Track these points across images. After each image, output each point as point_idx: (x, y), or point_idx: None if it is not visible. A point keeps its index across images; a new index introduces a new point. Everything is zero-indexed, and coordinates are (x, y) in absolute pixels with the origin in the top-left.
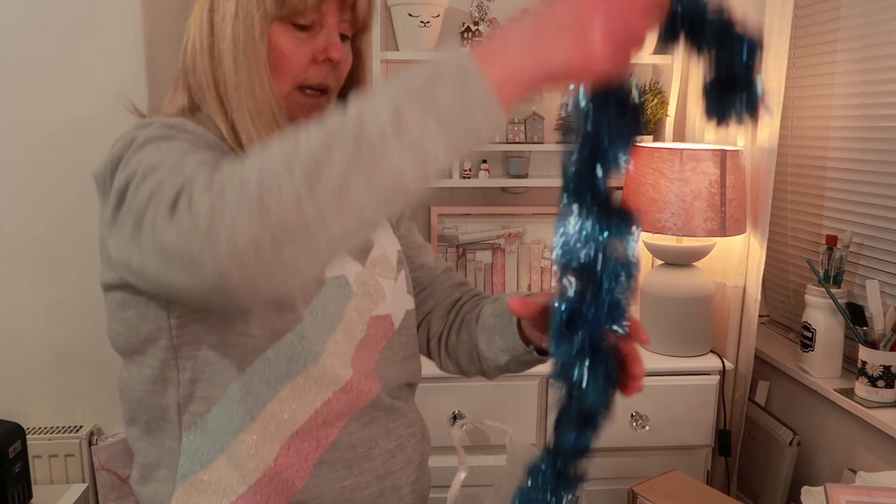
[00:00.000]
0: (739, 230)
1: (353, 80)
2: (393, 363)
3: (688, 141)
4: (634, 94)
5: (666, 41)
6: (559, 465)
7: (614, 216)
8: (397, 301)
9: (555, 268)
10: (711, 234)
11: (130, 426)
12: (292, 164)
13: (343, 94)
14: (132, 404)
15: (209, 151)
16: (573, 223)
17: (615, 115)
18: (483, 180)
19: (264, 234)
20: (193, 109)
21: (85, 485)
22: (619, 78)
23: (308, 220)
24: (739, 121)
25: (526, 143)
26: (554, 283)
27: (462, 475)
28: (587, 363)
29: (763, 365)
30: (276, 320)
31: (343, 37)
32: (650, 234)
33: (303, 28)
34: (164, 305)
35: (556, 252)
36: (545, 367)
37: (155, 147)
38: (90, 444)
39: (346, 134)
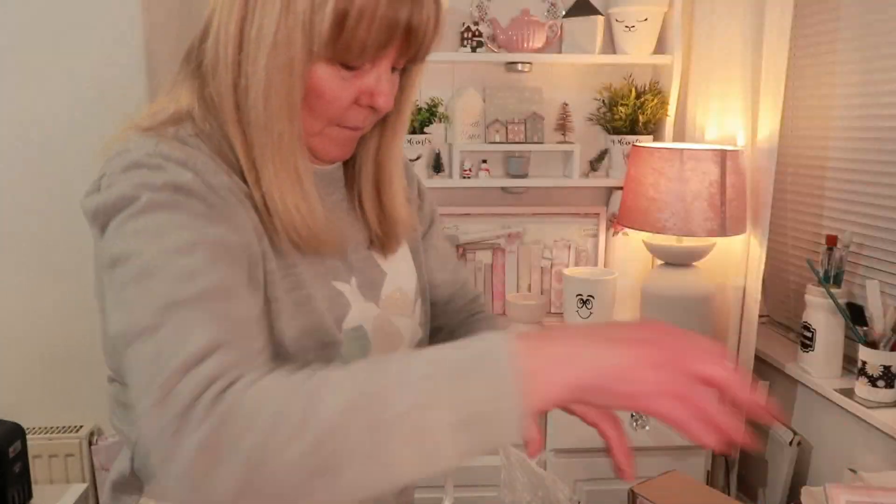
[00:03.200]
0: (739, 230)
1: (397, 106)
2: None
3: (688, 141)
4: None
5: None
6: None
7: None
8: (412, 339)
9: None
10: (711, 234)
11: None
12: (304, 428)
13: (380, 119)
14: (111, 412)
15: (214, 227)
16: None
17: None
18: (483, 180)
19: (248, 489)
20: (204, 115)
21: (85, 485)
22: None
23: (288, 488)
24: None
25: (526, 143)
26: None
27: None
28: None
29: (763, 365)
30: None
31: (393, 68)
32: (650, 234)
33: (350, 68)
34: None
35: None
36: None
37: (153, 223)
38: (90, 444)
39: (362, 419)
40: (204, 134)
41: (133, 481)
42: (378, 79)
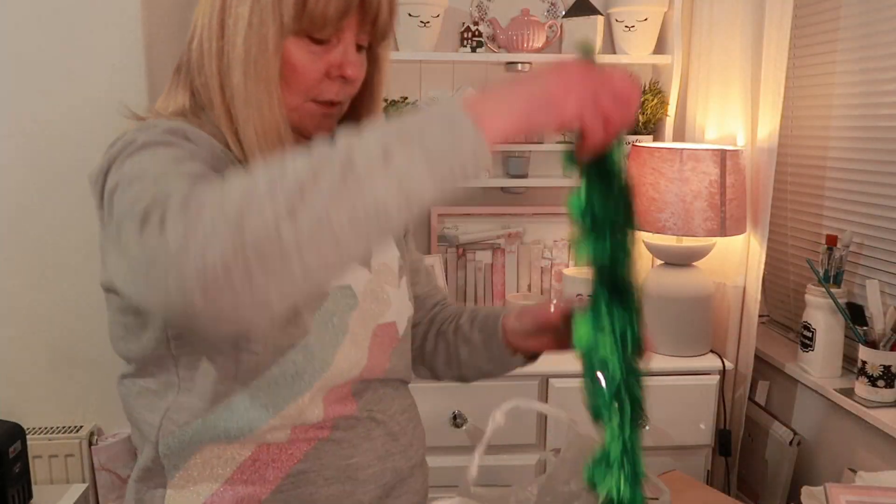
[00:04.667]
0: (739, 230)
1: (369, 88)
2: (398, 370)
3: (688, 141)
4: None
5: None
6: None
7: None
8: (401, 308)
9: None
10: (711, 233)
11: (132, 427)
12: (276, 188)
13: (356, 102)
14: (128, 408)
15: (205, 163)
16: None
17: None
18: (483, 180)
19: (237, 256)
20: (196, 110)
21: (85, 485)
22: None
23: (285, 246)
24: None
25: (526, 143)
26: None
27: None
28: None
29: (763, 365)
30: (281, 336)
31: (359, 47)
32: (650, 234)
33: (319, 42)
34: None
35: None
36: (546, 367)
37: (150, 153)
38: (90, 444)
39: (333, 163)
40: (203, 126)
41: (157, 471)
42: (344, 52)
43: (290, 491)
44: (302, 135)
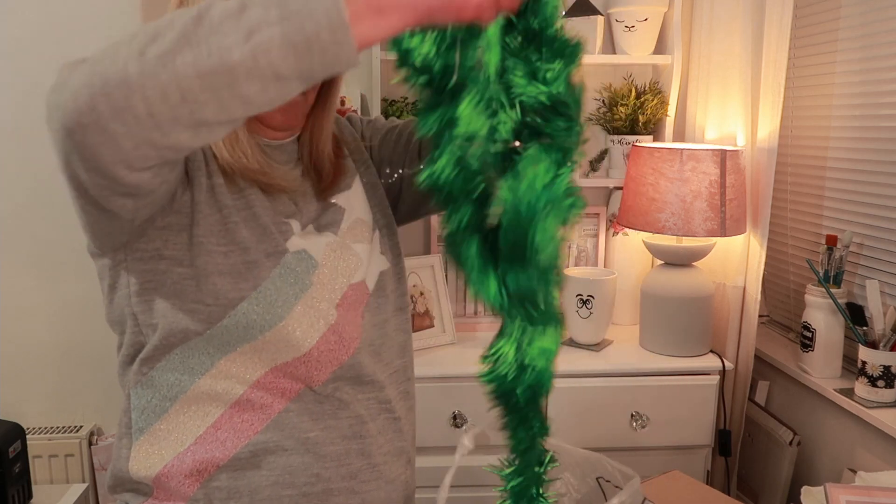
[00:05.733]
0: (739, 230)
1: (325, 86)
2: (374, 326)
3: (688, 141)
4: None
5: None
6: None
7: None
8: (371, 265)
9: None
10: (711, 234)
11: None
12: (136, 36)
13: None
14: (121, 385)
15: None
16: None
17: None
18: None
19: (94, 95)
20: None
21: (85, 485)
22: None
23: (129, 80)
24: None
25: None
26: None
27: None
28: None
29: (763, 365)
30: (231, 290)
31: None
32: (650, 234)
33: None
34: (122, 247)
35: None
36: None
37: None
38: (90, 444)
39: (191, 12)
40: None
41: (126, 428)
42: None
43: (248, 459)
44: (267, 125)
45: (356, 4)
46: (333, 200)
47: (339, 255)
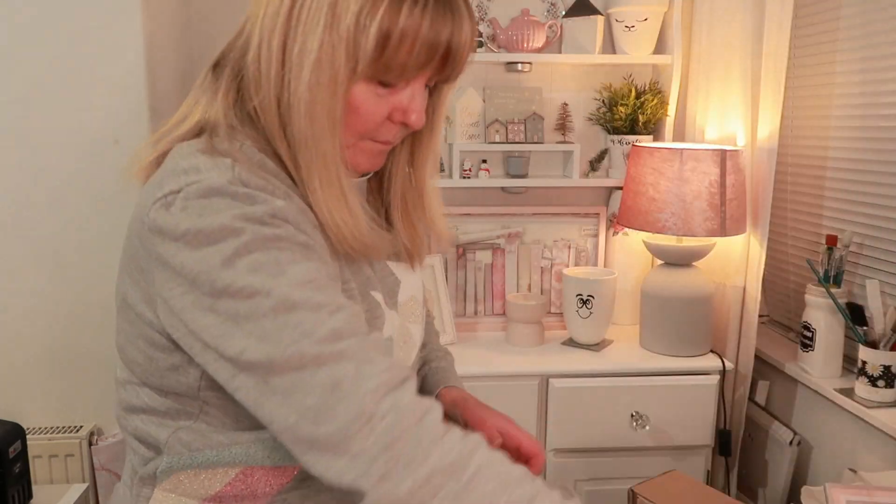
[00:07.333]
0: (739, 230)
1: (428, 123)
2: None
3: (688, 141)
4: None
5: None
6: None
7: None
8: (419, 345)
9: None
10: (711, 234)
11: (125, 432)
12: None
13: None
14: (127, 414)
15: (316, 253)
16: None
17: None
18: (483, 180)
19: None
20: (244, 130)
21: (85, 485)
22: None
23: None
24: None
25: (526, 143)
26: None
27: None
28: None
29: (763, 365)
30: None
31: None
32: (650, 234)
33: (387, 85)
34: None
35: None
36: (546, 367)
37: (270, 262)
38: (90, 444)
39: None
40: (263, 151)
41: (149, 478)
42: (412, 97)
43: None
44: (349, 168)
45: None
46: (390, 265)
47: (404, 341)
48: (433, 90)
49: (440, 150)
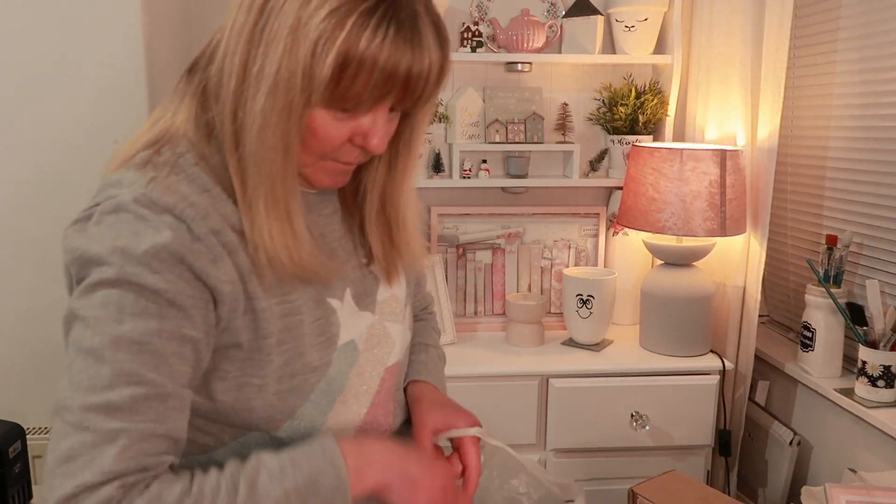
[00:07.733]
0: (739, 230)
1: (397, 146)
2: (401, 405)
3: (688, 141)
4: None
5: None
6: None
7: None
8: (404, 343)
9: None
10: (711, 234)
11: None
12: None
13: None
14: None
15: (180, 312)
16: None
17: None
18: (483, 180)
19: None
20: (205, 139)
21: None
22: None
23: None
24: None
25: (526, 143)
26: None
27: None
28: None
29: (763, 365)
30: (267, 422)
31: (391, 109)
32: (650, 234)
33: (346, 110)
34: None
35: None
36: (546, 367)
37: (118, 305)
38: None
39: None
40: (204, 160)
41: None
42: (373, 122)
43: None
44: (311, 185)
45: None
46: (372, 269)
47: (377, 340)
48: (407, 115)
49: (418, 172)
